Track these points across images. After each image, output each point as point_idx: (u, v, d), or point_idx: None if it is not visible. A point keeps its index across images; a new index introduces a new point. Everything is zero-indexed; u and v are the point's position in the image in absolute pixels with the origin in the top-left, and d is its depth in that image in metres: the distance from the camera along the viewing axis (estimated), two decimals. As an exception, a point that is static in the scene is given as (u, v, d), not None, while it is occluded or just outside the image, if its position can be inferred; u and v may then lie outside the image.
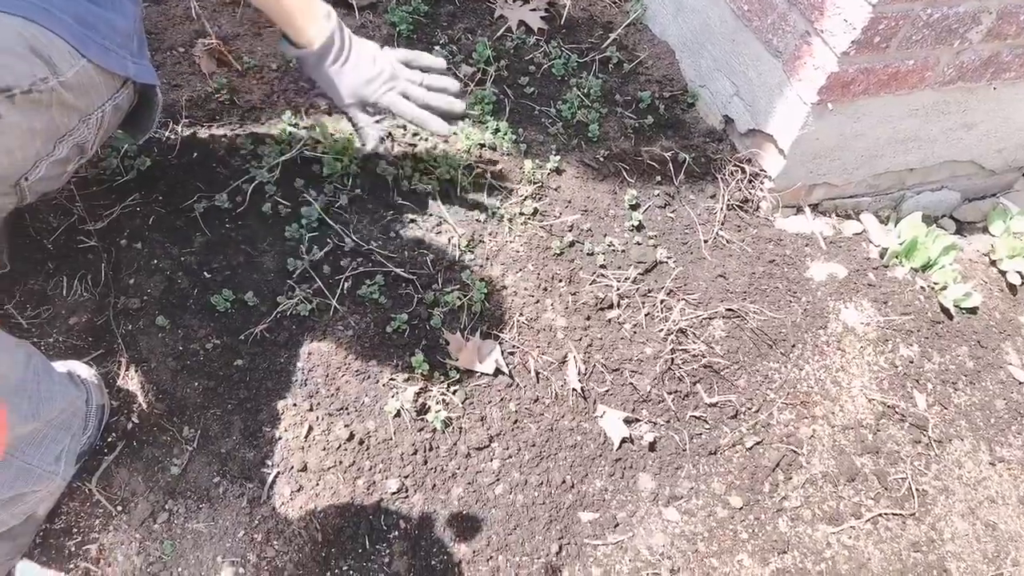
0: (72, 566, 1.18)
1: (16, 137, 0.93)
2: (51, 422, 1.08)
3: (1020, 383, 1.74)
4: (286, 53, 1.33)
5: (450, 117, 1.39)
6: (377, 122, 1.40)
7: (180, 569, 1.19)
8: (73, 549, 1.19)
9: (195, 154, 1.53)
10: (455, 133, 1.64)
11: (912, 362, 1.68)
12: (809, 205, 1.85)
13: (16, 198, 1.01)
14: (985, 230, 2.01)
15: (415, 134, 1.64)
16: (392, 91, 1.35)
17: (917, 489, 1.55)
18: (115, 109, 1.12)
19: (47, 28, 0.93)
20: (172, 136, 1.54)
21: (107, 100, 1.08)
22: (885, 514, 1.51)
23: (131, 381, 1.31)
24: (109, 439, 1.26)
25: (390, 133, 1.60)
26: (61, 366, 1.20)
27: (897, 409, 1.61)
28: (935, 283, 1.79)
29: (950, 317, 1.77)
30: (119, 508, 1.22)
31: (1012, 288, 1.89)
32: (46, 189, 1.09)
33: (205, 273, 1.40)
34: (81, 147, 1.09)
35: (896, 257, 1.80)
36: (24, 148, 0.95)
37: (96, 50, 1.01)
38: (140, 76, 1.12)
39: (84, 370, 1.25)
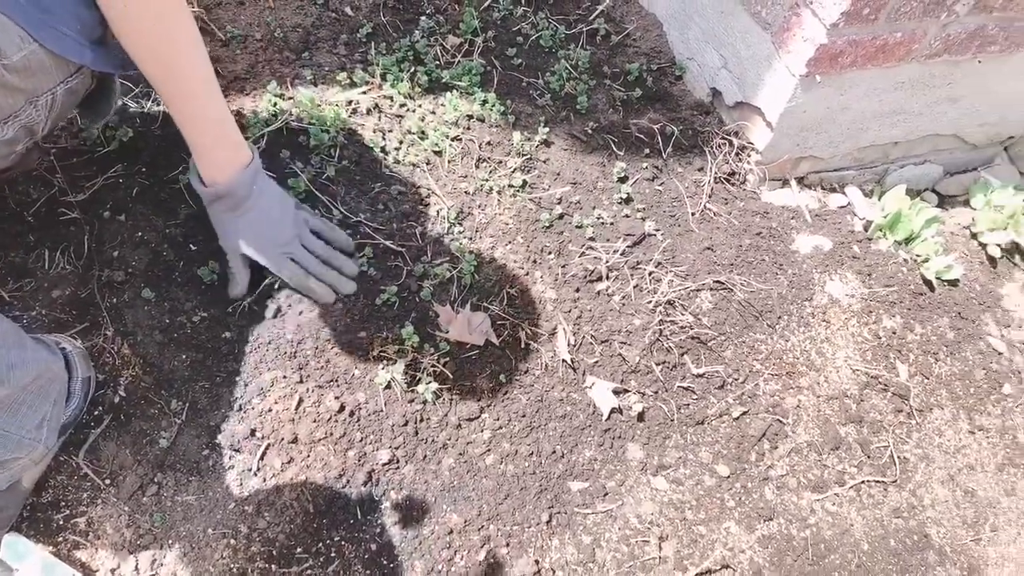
0: (60, 539, 1.17)
1: None
2: (26, 388, 1.06)
3: (999, 353, 1.77)
4: (191, 181, 1.25)
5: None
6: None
7: (171, 541, 1.19)
8: (61, 522, 1.18)
9: (178, 124, 1.50)
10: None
11: (895, 333, 1.70)
12: (795, 178, 1.86)
13: None
14: (966, 203, 2.04)
15: (402, 105, 1.62)
16: (282, 255, 1.29)
17: (899, 457, 1.58)
18: (68, 92, 1.09)
19: None
20: (154, 106, 1.51)
21: (59, 83, 1.05)
22: (868, 481, 1.54)
23: (117, 354, 1.29)
24: (96, 413, 1.25)
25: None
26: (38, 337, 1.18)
27: (880, 379, 1.64)
28: (918, 255, 1.81)
29: (932, 289, 1.79)
30: (107, 481, 1.21)
31: (992, 260, 1.92)
32: None
33: (191, 245, 1.38)
34: (30, 128, 1.06)
35: (880, 230, 1.82)
36: None
37: (50, 35, 0.99)
38: (96, 64, 1.09)
39: (67, 343, 1.23)
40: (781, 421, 1.54)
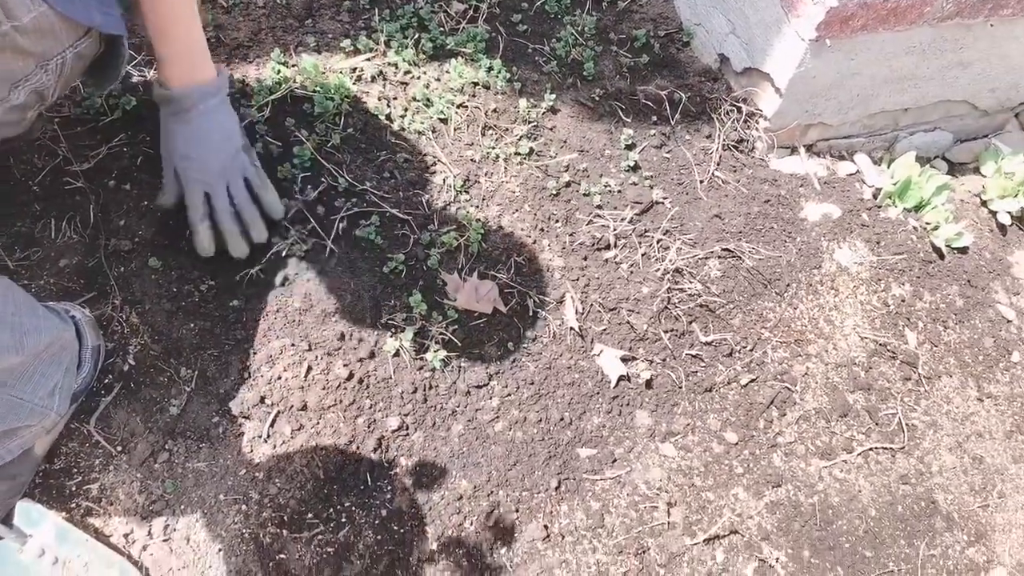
0: (73, 505, 1.18)
1: None
2: (39, 356, 1.07)
3: (1008, 321, 1.76)
4: (153, 91, 1.26)
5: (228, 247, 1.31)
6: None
7: (182, 507, 1.20)
8: (74, 489, 1.18)
9: (182, 93, 1.49)
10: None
11: (904, 301, 1.69)
12: (804, 146, 1.84)
13: None
14: (977, 171, 2.02)
15: (407, 72, 1.60)
16: (198, 184, 1.26)
17: (907, 424, 1.58)
18: (77, 57, 1.08)
19: None
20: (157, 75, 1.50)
21: (68, 47, 1.05)
22: (876, 448, 1.54)
23: (126, 323, 1.29)
24: (106, 381, 1.25)
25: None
26: (49, 305, 1.19)
27: (888, 347, 1.63)
28: (927, 223, 1.80)
29: (941, 257, 1.78)
30: (119, 448, 1.21)
31: (1002, 228, 1.91)
32: (5, 135, 1.06)
33: (197, 214, 1.38)
34: (40, 93, 1.05)
35: (889, 197, 1.81)
36: None
37: None
38: (105, 26, 1.08)
39: (76, 311, 1.23)
40: (789, 388, 1.54)
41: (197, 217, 1.28)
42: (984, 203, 1.94)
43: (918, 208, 1.82)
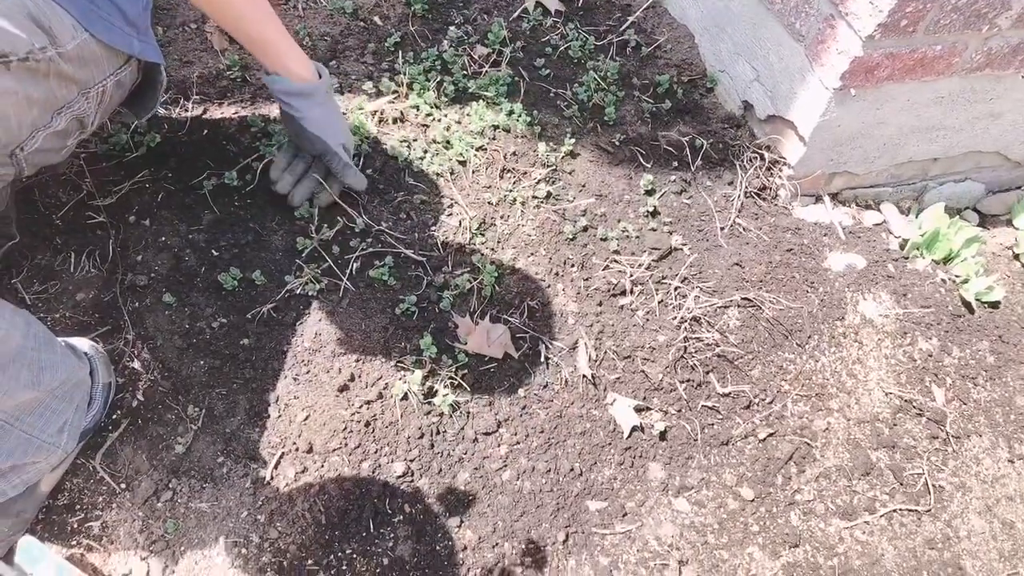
0: (74, 543, 1.17)
1: (11, 104, 0.92)
2: (53, 392, 1.07)
3: (1042, 380, 1.69)
4: (285, 89, 1.27)
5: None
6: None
7: (182, 548, 1.18)
8: (76, 526, 1.18)
9: (205, 131, 1.51)
10: (468, 115, 1.62)
11: (931, 356, 1.64)
12: (828, 194, 1.81)
13: (13, 169, 1.00)
14: (1009, 223, 1.96)
15: (428, 115, 1.61)
16: (339, 147, 1.37)
17: (933, 485, 1.51)
18: (117, 85, 1.11)
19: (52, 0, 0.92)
20: (182, 113, 1.53)
21: (109, 75, 1.08)
22: (900, 510, 1.48)
23: (137, 359, 1.29)
24: (114, 416, 1.25)
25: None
26: (66, 341, 1.19)
27: (914, 403, 1.58)
28: (956, 276, 1.75)
29: (971, 311, 1.72)
30: (123, 486, 1.21)
31: (1036, 283, 1.85)
32: (45, 162, 1.08)
33: (213, 251, 1.39)
34: (81, 121, 1.08)
35: (917, 249, 1.76)
36: (19, 116, 0.94)
37: (100, 25, 1.01)
38: (145, 54, 1.11)
39: (90, 348, 1.23)
40: (809, 444, 1.49)
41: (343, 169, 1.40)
42: (1016, 256, 1.88)
43: (947, 260, 1.77)
